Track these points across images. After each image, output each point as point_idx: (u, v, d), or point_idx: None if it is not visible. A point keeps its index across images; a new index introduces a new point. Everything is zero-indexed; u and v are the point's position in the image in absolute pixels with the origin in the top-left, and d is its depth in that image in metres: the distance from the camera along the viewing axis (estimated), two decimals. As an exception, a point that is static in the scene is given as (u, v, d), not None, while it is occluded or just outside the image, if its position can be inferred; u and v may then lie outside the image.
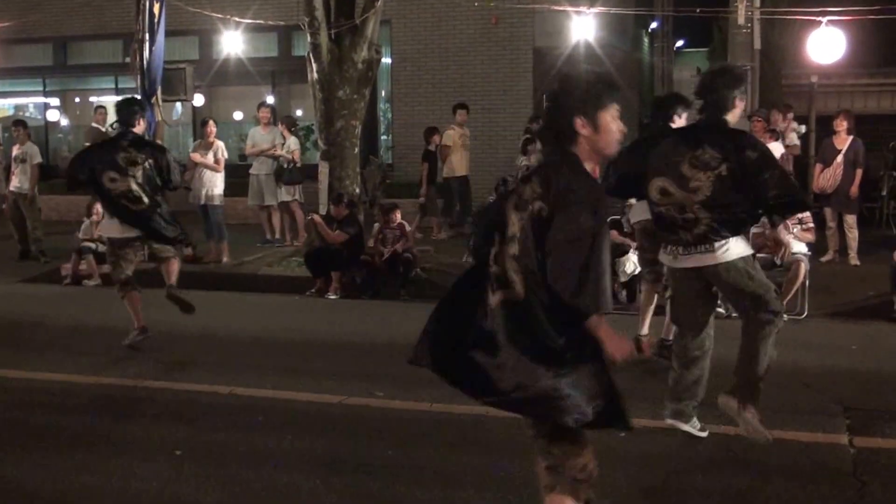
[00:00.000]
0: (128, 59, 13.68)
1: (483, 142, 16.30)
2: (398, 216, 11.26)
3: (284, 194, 13.50)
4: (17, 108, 20.91)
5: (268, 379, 7.03)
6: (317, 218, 11.36)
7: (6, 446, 5.57)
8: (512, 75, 16.60)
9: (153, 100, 12.43)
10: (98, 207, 12.11)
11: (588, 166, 3.39)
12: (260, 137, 13.77)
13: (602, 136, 3.38)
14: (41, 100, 20.70)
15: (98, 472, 5.13)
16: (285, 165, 13.36)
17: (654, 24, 17.14)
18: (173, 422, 6.04)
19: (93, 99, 19.22)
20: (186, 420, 6.09)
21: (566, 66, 15.57)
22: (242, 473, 5.08)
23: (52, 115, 20.57)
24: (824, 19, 12.48)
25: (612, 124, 3.40)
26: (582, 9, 14.76)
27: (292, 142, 13.60)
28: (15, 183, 13.10)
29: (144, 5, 12.34)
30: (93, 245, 11.63)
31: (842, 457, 5.29)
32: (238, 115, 18.95)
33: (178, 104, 17.41)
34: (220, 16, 14.99)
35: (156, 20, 12.40)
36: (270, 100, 17.46)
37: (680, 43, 18.64)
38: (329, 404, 6.39)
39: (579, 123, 3.36)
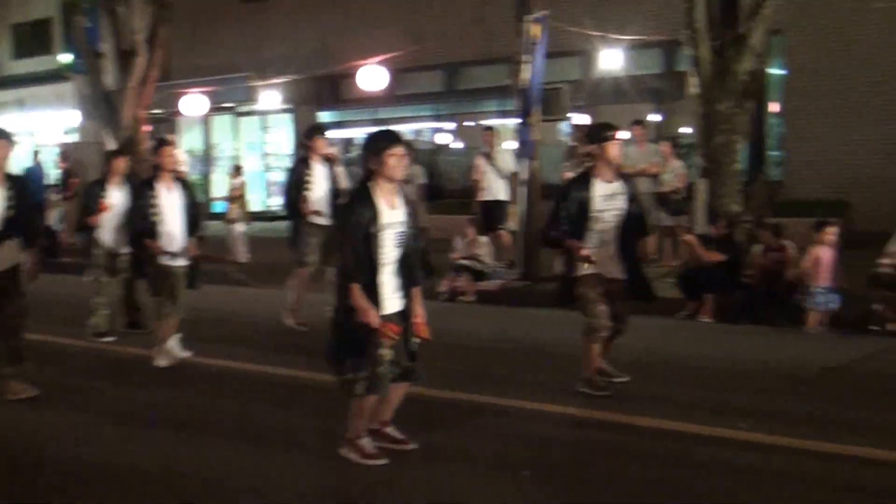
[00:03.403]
0: (509, 82, 13.95)
1: (888, 156, 14.99)
2: (779, 237, 10.46)
3: (667, 220, 13.07)
4: (417, 132, 22.16)
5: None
6: (691, 238, 10.86)
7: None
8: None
9: (530, 120, 12.56)
10: (473, 229, 12.46)
11: None
12: (636, 156, 13.48)
13: None
14: (433, 124, 21.88)
15: None
16: (669, 195, 12.93)
17: None
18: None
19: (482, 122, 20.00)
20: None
21: None
22: None
23: (442, 139, 21.67)
24: None
25: None
26: None
27: (677, 165, 13.14)
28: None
29: (523, 28, 12.53)
30: (467, 263, 11.95)
31: None
32: (622, 134, 18.74)
33: (563, 124, 17.58)
34: (599, 34, 14.94)
35: (535, 42, 12.53)
36: (650, 117, 17.10)
37: None
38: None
39: None
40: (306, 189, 9.60)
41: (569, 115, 14.95)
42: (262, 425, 6.45)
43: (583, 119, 16.64)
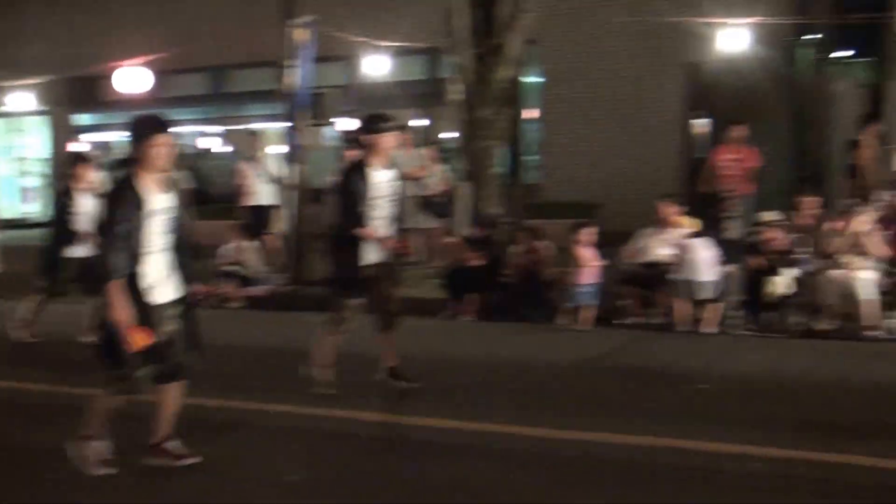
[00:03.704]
0: (277, 87, 13.96)
1: (633, 159, 15.98)
2: (536, 238, 11.02)
3: (429, 221, 13.37)
4: (182, 136, 21.65)
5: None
6: (454, 239, 11.25)
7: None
8: (664, 91, 16.15)
9: (298, 124, 12.65)
10: (239, 234, 12.39)
11: None
12: (402, 160, 13.76)
13: None
14: (197, 128, 21.49)
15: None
16: (434, 198, 13.28)
17: (810, 35, 16.32)
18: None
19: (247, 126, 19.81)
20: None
21: (715, 80, 15.11)
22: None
23: (207, 143, 21.32)
24: None
25: None
26: (735, 20, 14.23)
27: (440, 169, 13.52)
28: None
29: (289, 32, 12.60)
30: (234, 269, 11.89)
31: None
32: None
33: (330, 128, 17.69)
34: (365, 39, 15.17)
35: (302, 46, 12.63)
36: (415, 123, 17.51)
37: (842, 53, 17.64)
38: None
39: None
40: (69, 221, 9.12)
41: (335, 119, 15.14)
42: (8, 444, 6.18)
43: (349, 124, 16.81)
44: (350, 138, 13.80)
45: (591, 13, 16.37)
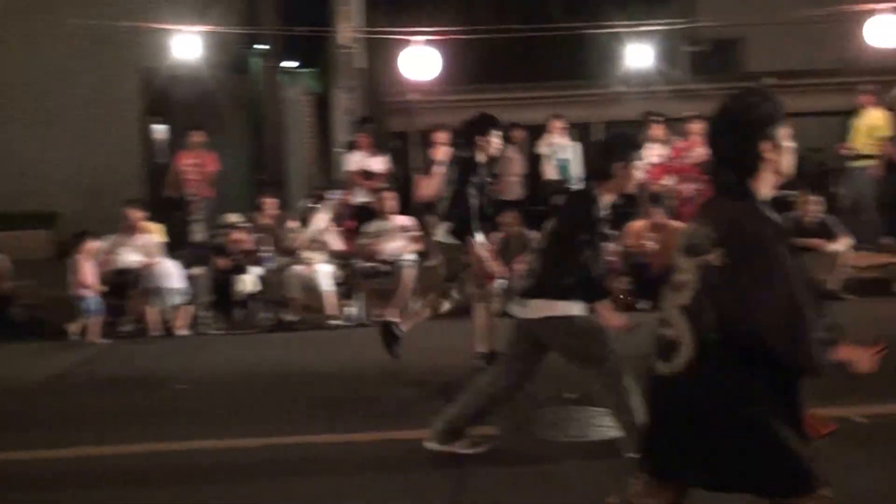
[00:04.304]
0: None
1: (92, 166, 15.56)
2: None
3: None
4: None
5: None
6: None
7: None
8: (120, 97, 15.88)
9: None
10: None
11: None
12: None
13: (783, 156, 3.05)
14: None
15: None
16: None
17: (261, 45, 17.10)
18: None
19: None
20: None
21: (172, 86, 15.22)
22: None
23: None
24: (423, 38, 13.05)
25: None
26: (189, 28, 14.42)
27: None
28: None
29: None
30: None
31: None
32: None
33: None
34: None
35: None
36: None
37: (290, 63, 18.73)
38: None
39: (766, 148, 2.99)
40: None
41: None
42: None
43: None
44: None
45: (40, 14, 15.59)
